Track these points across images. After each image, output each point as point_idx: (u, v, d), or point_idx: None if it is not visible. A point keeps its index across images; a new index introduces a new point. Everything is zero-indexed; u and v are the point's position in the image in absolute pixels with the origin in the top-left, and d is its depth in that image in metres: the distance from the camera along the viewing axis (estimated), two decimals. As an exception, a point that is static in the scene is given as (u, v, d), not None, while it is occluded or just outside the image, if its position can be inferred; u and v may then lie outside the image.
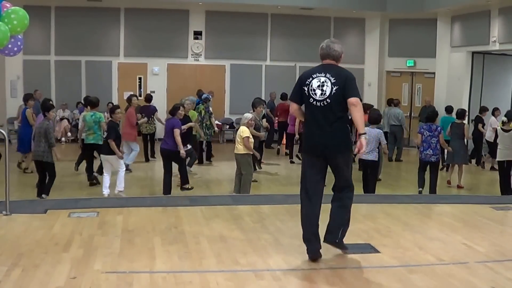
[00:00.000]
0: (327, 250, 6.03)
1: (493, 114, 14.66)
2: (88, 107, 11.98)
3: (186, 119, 11.63)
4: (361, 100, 5.56)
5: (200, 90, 16.49)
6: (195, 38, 18.88)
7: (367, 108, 11.63)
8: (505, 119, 11.27)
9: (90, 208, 7.74)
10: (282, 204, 8.08)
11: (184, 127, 11.17)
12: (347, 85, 5.51)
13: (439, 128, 10.85)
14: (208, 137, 13.92)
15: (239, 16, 18.76)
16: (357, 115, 5.43)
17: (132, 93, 16.27)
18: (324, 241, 5.69)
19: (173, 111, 10.66)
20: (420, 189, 11.03)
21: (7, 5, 7.62)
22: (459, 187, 12.24)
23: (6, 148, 7.60)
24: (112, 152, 9.87)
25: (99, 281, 4.95)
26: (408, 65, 19.38)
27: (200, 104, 13.81)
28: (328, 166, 5.71)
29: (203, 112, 13.60)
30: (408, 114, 18.97)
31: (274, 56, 19.14)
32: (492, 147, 13.55)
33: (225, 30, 18.76)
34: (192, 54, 18.94)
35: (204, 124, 13.54)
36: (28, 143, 11.87)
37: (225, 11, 18.62)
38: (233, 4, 18.06)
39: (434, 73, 18.60)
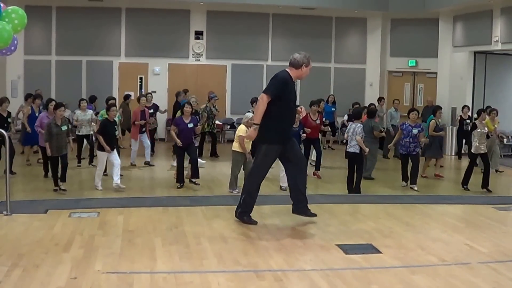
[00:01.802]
0: (329, 251, 6.01)
1: (488, 114, 14.68)
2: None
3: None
4: (273, 95, 6.58)
5: (179, 91, 16.42)
6: (196, 38, 18.84)
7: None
8: (476, 116, 12.18)
9: (90, 208, 7.75)
10: (283, 204, 8.05)
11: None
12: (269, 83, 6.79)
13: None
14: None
15: (240, 16, 18.72)
16: (257, 109, 6.71)
17: (129, 92, 16.26)
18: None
19: (181, 109, 11.22)
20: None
21: (1, 5, 7.64)
22: (436, 175, 12.69)
23: (7, 148, 7.59)
24: (99, 148, 10.26)
25: (100, 282, 4.93)
26: (410, 65, 19.31)
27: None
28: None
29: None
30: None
31: (276, 56, 19.07)
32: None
33: (226, 30, 18.72)
34: (193, 54, 18.90)
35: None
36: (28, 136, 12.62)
37: (226, 11, 18.58)
38: (234, 4, 18.02)
39: (436, 73, 18.54)
